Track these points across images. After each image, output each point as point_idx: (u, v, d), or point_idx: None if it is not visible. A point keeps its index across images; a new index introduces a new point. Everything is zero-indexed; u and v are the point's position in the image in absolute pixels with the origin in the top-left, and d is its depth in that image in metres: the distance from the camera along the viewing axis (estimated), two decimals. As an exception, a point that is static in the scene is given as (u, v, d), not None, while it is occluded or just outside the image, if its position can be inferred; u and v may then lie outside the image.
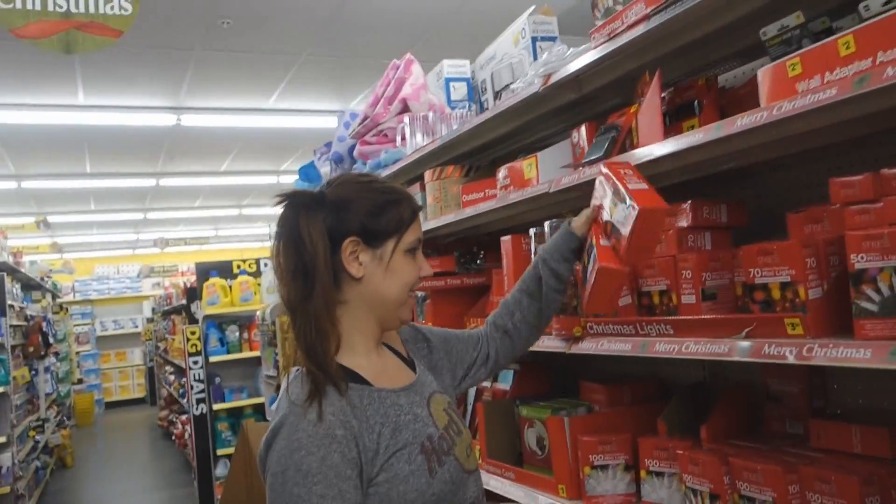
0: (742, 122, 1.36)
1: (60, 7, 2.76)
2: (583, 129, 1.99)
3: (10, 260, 7.36)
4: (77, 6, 2.77)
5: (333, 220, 1.32)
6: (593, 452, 1.93)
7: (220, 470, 6.28)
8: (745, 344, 1.40)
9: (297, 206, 1.32)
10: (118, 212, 11.76)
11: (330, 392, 1.25)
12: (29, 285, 9.07)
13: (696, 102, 1.73)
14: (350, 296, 1.35)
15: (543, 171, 2.08)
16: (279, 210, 1.34)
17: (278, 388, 1.36)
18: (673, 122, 1.77)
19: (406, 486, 1.23)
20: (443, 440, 1.32)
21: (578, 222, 1.64)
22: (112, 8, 2.84)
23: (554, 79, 1.92)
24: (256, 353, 6.09)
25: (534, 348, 2.09)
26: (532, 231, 2.10)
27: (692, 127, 1.68)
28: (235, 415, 6.53)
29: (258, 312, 5.55)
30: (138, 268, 15.63)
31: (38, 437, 7.59)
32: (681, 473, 1.71)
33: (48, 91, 5.81)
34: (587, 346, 1.84)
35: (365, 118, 3.27)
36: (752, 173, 1.92)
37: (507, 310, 1.69)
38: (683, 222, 1.71)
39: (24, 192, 9.48)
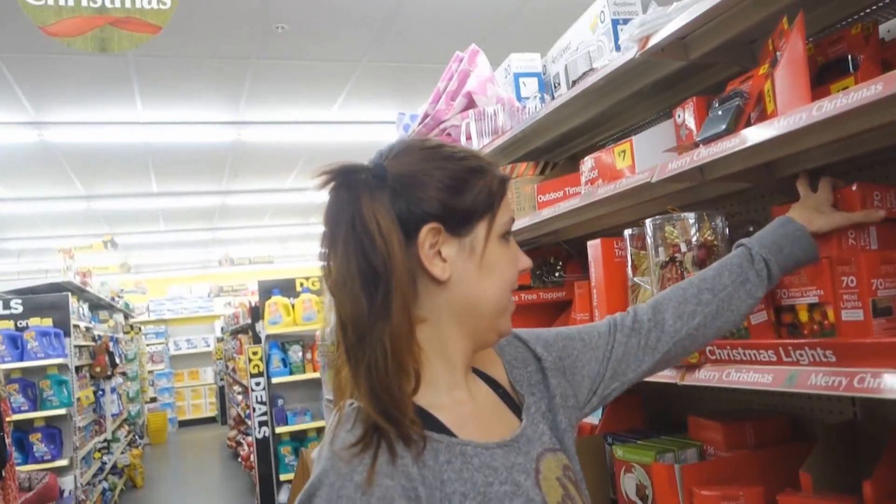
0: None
1: (95, 2, 2.52)
2: (690, 104, 1.59)
3: (77, 280, 7.36)
4: (113, 1, 2.52)
5: (402, 202, 0.94)
6: (714, 511, 1.52)
7: (283, 496, 6.03)
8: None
9: (356, 186, 0.94)
10: (187, 231, 11.83)
11: (392, 443, 0.88)
12: (99, 305, 9.12)
13: (849, 57, 1.32)
14: (430, 309, 0.97)
15: (640, 159, 1.70)
16: (325, 196, 0.97)
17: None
18: (816, 85, 1.36)
19: None
20: None
21: (814, 218, 1.23)
22: (150, 2, 2.60)
23: (654, 41, 1.53)
24: (319, 375, 5.84)
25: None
26: (627, 233, 1.72)
27: (844, 89, 1.27)
28: (299, 438, 6.29)
29: (317, 332, 5.30)
30: (209, 287, 15.82)
31: (105, 459, 7.52)
32: (844, 548, 1.29)
33: (107, 105, 5.73)
34: (707, 377, 1.43)
35: (426, 117, 2.94)
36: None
37: (686, 308, 1.17)
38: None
39: (94, 212, 9.58)
